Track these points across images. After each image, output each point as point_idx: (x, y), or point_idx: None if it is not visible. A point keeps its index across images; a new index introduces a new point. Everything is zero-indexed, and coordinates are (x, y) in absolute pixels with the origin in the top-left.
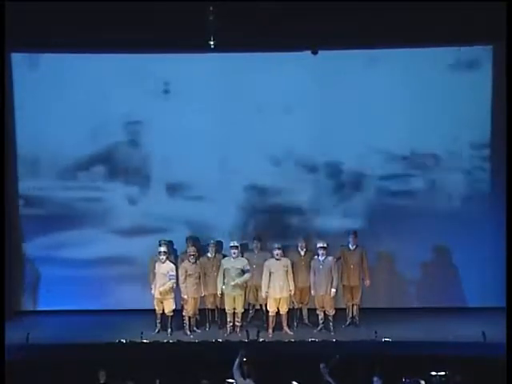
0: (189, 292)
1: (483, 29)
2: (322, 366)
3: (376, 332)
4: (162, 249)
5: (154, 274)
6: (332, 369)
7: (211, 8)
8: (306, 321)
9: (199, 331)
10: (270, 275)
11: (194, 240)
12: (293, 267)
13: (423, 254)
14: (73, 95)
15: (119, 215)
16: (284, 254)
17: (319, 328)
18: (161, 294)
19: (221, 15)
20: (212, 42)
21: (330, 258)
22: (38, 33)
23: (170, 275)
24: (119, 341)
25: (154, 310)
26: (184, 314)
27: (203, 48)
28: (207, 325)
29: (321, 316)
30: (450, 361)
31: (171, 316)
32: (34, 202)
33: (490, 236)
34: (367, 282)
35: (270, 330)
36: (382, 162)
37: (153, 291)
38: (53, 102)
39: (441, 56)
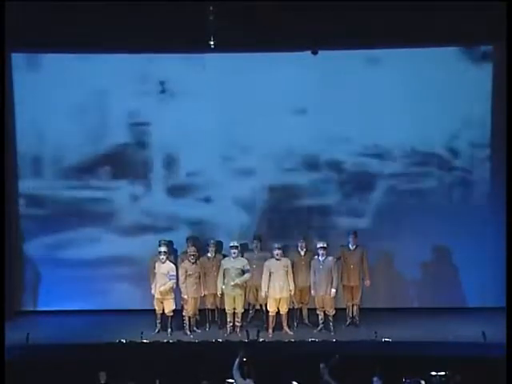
0: (189, 292)
1: (483, 29)
2: (322, 365)
3: (376, 332)
4: (162, 249)
5: (154, 274)
6: (332, 369)
7: (211, 8)
8: (306, 321)
9: (199, 331)
10: (270, 275)
11: (193, 240)
12: (293, 267)
13: (423, 254)
14: (72, 95)
15: (119, 215)
16: (284, 254)
17: (319, 328)
18: (161, 293)
19: (221, 15)
20: (212, 42)
21: (330, 258)
22: (38, 33)
23: (171, 275)
24: (119, 341)
25: (154, 310)
26: (184, 314)
27: (203, 48)
28: (207, 325)
29: (321, 316)
30: (450, 361)
31: (171, 316)
32: (34, 201)
33: (490, 236)
34: (367, 282)
35: (270, 330)
36: (381, 161)
37: (153, 291)
38: (52, 102)
39: (441, 56)
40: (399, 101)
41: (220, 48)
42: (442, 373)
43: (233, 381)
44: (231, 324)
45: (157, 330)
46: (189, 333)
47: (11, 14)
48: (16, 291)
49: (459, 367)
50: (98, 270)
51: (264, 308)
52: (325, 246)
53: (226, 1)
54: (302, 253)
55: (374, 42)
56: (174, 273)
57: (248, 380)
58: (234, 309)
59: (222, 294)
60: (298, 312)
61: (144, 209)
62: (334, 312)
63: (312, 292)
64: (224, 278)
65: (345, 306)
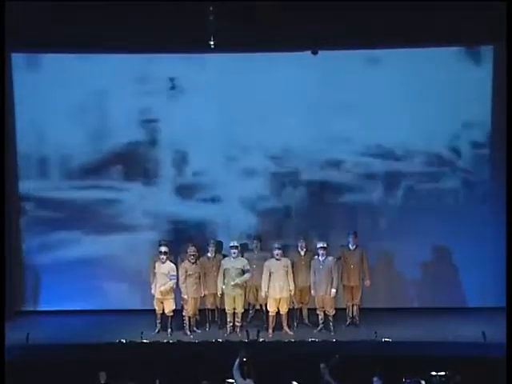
0: (189, 292)
1: (483, 29)
2: (322, 365)
3: (376, 332)
4: (163, 249)
5: (154, 274)
6: (332, 369)
7: (211, 8)
8: (306, 321)
9: (199, 331)
10: (270, 275)
11: (194, 240)
12: (293, 267)
13: (423, 254)
14: (72, 95)
15: (120, 215)
16: (284, 254)
17: (319, 328)
18: (161, 293)
19: (221, 15)
20: (212, 42)
21: (330, 258)
22: (38, 33)
23: (171, 275)
24: (119, 341)
25: (154, 310)
26: (184, 314)
27: (203, 48)
28: (207, 325)
29: (321, 316)
30: (450, 361)
31: (171, 316)
32: (34, 202)
33: (490, 236)
34: (367, 282)
35: (270, 330)
36: (381, 161)
37: (153, 291)
38: (52, 102)
39: (441, 56)
40: (399, 101)
41: (220, 48)
42: (442, 373)
43: (233, 381)
44: (231, 324)
45: (157, 330)
46: (189, 333)
47: (11, 14)
48: (16, 291)
49: (459, 367)
50: (98, 269)
51: (264, 308)
52: (325, 245)
53: (226, 1)
54: (302, 253)
55: (374, 42)
56: (175, 273)
57: (248, 380)
58: (234, 309)
59: (222, 294)
60: (298, 312)
61: (145, 208)
62: (334, 312)
63: (312, 292)
64: (224, 277)
65: (345, 306)
